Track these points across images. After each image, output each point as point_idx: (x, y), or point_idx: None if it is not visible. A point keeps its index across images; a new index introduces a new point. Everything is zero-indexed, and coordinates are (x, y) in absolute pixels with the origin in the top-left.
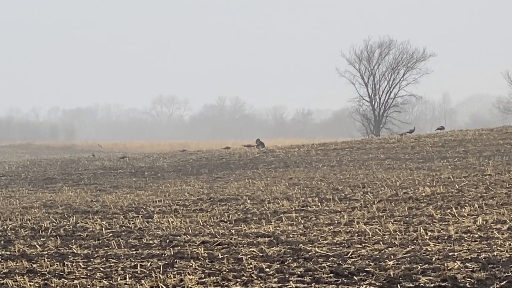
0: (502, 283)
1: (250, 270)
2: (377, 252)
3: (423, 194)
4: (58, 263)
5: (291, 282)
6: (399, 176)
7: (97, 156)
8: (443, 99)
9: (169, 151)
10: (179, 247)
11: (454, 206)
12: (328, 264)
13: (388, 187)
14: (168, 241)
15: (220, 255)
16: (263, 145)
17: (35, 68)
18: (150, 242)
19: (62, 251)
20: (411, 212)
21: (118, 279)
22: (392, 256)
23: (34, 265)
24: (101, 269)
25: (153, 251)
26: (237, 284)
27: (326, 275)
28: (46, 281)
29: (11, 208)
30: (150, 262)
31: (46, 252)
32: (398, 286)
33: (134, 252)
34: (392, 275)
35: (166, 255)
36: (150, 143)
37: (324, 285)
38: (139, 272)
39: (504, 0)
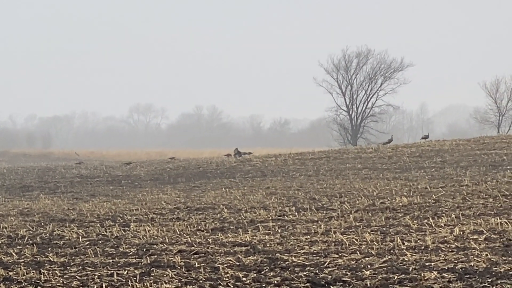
0: None
1: (227, 279)
2: (354, 261)
3: (400, 204)
4: (34, 271)
5: None
6: (376, 186)
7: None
8: (421, 109)
9: (146, 160)
10: (155, 256)
11: (431, 216)
12: (304, 273)
13: (365, 197)
14: (144, 249)
15: (196, 264)
16: (240, 154)
17: (11, 75)
18: (127, 250)
19: (38, 259)
20: (388, 222)
21: (95, 287)
22: (368, 266)
23: (10, 273)
24: (78, 277)
25: (130, 260)
26: None
27: (303, 285)
28: None
29: None
30: (126, 271)
31: (23, 260)
32: None
33: (110, 261)
34: (368, 285)
35: (142, 263)
36: (127, 151)
37: None
38: (115, 280)
39: (481, 12)
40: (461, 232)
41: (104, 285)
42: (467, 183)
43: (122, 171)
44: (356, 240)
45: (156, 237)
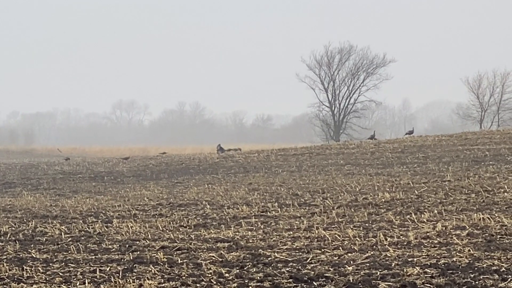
0: None
1: (210, 275)
2: (337, 257)
3: (383, 200)
4: (17, 268)
5: (250, 287)
6: (359, 181)
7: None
8: (403, 105)
9: (128, 156)
10: (138, 252)
11: (413, 212)
12: (287, 269)
13: (347, 193)
14: (127, 246)
15: (179, 260)
16: (223, 150)
17: None
18: (110, 247)
19: (21, 255)
20: (370, 218)
21: (77, 284)
22: (351, 262)
23: None
24: (60, 273)
25: (113, 256)
26: None
27: (286, 280)
28: (5, 286)
29: None
30: (109, 267)
31: (5, 257)
32: None
33: (93, 257)
34: (351, 281)
35: (125, 260)
36: (110, 147)
37: None
38: (98, 276)
39: (462, 8)
40: (444, 228)
41: (86, 282)
42: (450, 179)
43: (105, 168)
44: (339, 236)
45: (138, 234)
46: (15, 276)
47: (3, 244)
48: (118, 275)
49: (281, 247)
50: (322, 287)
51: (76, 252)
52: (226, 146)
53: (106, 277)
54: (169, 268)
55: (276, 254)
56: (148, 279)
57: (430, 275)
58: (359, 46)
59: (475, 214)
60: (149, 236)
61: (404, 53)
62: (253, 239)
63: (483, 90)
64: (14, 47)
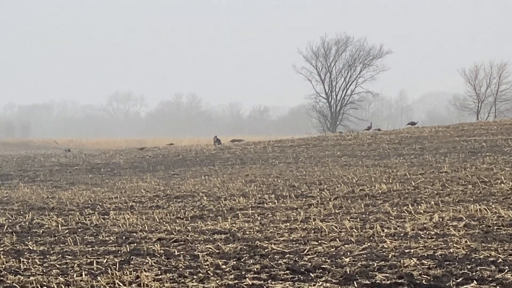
0: (458, 280)
1: (207, 267)
2: (334, 249)
3: (380, 191)
4: (13, 260)
5: (247, 279)
6: (356, 173)
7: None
8: (400, 96)
9: (125, 148)
10: (135, 244)
11: (410, 203)
12: (284, 261)
13: (344, 184)
14: (124, 237)
15: (176, 252)
16: (220, 142)
17: None
18: (106, 238)
19: (17, 247)
20: (367, 209)
21: (74, 276)
22: (348, 253)
23: None
24: (57, 265)
25: (109, 248)
26: (193, 280)
27: (283, 272)
28: (1, 278)
29: None
30: (106, 259)
31: (2, 249)
32: (355, 283)
33: (90, 249)
34: (348, 272)
35: (122, 251)
36: (106, 139)
37: (280, 282)
38: (95, 268)
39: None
40: (441, 219)
41: (83, 273)
42: (446, 170)
43: (102, 159)
44: (336, 227)
45: (135, 225)
46: (12, 268)
47: (0, 236)
48: (115, 267)
49: (278, 238)
50: (319, 279)
51: (73, 244)
52: (223, 138)
53: (103, 269)
54: (166, 260)
55: (273, 245)
56: (145, 270)
57: (427, 267)
58: (355, 37)
59: (472, 205)
60: (146, 228)
61: (400, 44)
62: (250, 231)
63: (480, 81)
64: (11, 38)
